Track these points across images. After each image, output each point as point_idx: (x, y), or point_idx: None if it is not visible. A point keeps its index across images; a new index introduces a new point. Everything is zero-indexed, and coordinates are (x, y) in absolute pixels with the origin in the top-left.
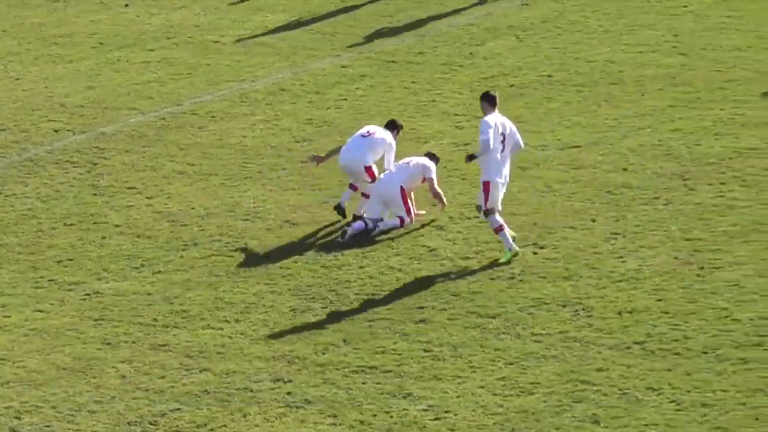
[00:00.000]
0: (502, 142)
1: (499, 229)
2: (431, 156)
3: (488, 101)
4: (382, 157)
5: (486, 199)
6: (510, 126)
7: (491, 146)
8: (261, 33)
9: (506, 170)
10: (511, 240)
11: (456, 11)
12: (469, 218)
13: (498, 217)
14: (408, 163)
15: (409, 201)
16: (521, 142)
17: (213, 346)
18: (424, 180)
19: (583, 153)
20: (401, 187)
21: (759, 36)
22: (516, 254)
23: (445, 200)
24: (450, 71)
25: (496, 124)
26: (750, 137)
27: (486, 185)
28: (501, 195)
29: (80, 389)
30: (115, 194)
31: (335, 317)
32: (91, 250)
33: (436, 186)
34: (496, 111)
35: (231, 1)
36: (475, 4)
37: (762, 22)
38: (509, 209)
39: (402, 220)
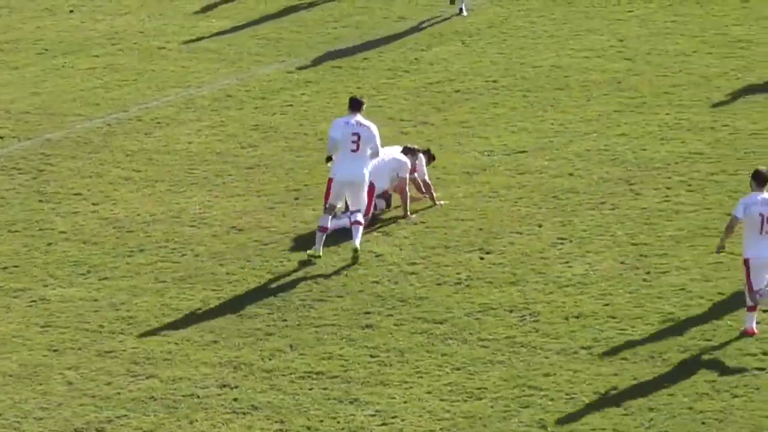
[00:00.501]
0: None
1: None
2: (407, 150)
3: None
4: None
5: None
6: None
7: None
8: (207, 39)
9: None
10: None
11: (401, 17)
12: (416, 223)
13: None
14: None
15: (373, 199)
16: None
17: (159, 352)
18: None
19: (530, 158)
20: (370, 182)
21: (703, 41)
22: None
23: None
24: (395, 76)
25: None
26: (696, 142)
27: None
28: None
29: (26, 396)
30: (61, 201)
31: (282, 323)
32: (37, 257)
33: (406, 187)
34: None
35: (177, 7)
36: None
37: (707, 27)
38: (455, 214)
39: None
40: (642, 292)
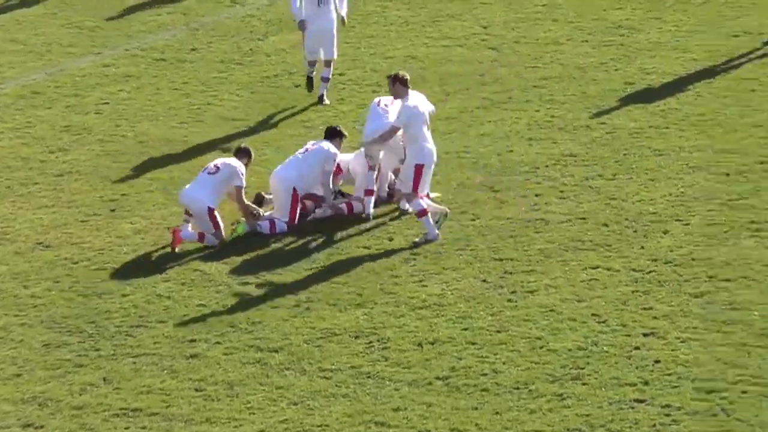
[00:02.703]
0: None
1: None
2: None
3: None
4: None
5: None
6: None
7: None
8: (11, 28)
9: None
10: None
11: (234, 2)
12: (248, 238)
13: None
14: (306, 151)
15: (297, 205)
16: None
17: None
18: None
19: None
20: (293, 188)
21: (578, 27)
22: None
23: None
24: (227, 70)
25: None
26: (568, 142)
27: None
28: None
29: None
30: None
31: (94, 353)
32: None
33: (330, 181)
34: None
35: None
36: None
37: (582, 12)
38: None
39: (273, 225)
40: (506, 315)
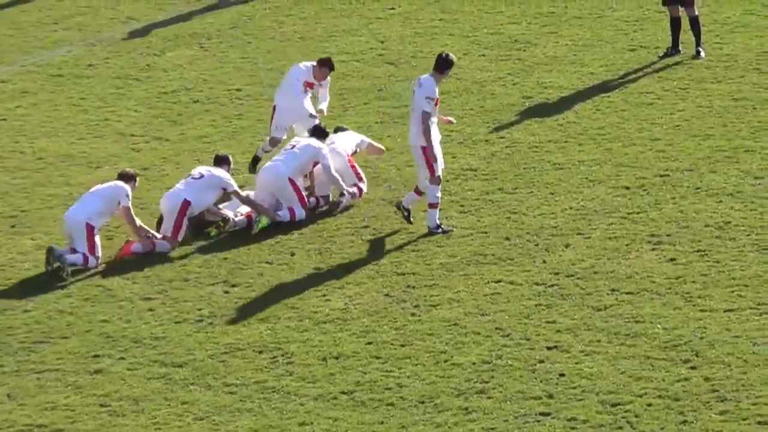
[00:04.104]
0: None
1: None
2: (318, 132)
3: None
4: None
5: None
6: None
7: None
8: None
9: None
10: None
11: (130, 18)
12: (151, 253)
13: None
14: (293, 147)
15: (302, 191)
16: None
17: None
18: (316, 164)
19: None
20: (289, 178)
21: (475, 41)
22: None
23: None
24: (125, 86)
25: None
26: (468, 156)
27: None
28: None
29: None
30: None
31: None
32: None
33: (333, 171)
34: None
35: None
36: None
37: (478, 26)
38: (195, 243)
39: (293, 212)
40: (410, 329)
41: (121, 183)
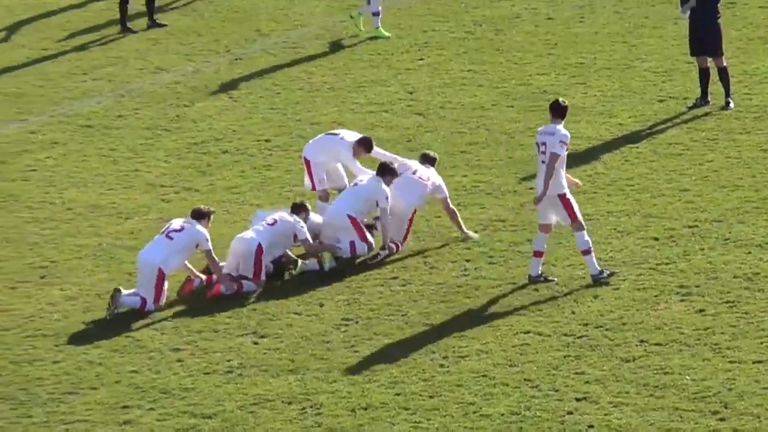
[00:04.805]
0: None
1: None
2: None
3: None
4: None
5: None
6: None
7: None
8: None
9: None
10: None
11: (160, 68)
12: (177, 301)
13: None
14: (356, 185)
15: (363, 226)
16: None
17: None
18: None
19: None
20: (348, 215)
21: (505, 92)
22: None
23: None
24: (154, 136)
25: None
26: (497, 207)
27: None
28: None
29: None
30: None
31: (27, 420)
32: None
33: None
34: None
35: None
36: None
37: (507, 77)
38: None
39: (353, 246)
40: (438, 380)
41: (198, 226)
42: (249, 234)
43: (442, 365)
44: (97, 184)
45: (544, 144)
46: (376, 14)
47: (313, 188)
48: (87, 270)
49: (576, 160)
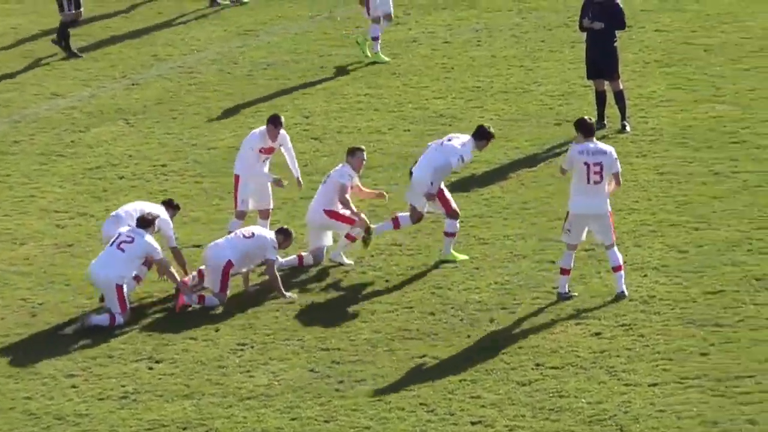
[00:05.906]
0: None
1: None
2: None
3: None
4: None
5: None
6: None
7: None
8: None
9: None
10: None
11: (56, 94)
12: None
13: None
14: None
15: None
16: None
17: None
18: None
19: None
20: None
21: (401, 116)
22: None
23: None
24: (49, 162)
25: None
26: (393, 232)
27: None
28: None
29: None
30: None
31: None
32: None
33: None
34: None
35: None
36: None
37: (404, 101)
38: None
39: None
40: (334, 404)
41: (146, 237)
42: (222, 246)
43: (337, 389)
44: None
45: (599, 164)
46: (375, 39)
47: (235, 206)
48: None
49: (472, 183)
